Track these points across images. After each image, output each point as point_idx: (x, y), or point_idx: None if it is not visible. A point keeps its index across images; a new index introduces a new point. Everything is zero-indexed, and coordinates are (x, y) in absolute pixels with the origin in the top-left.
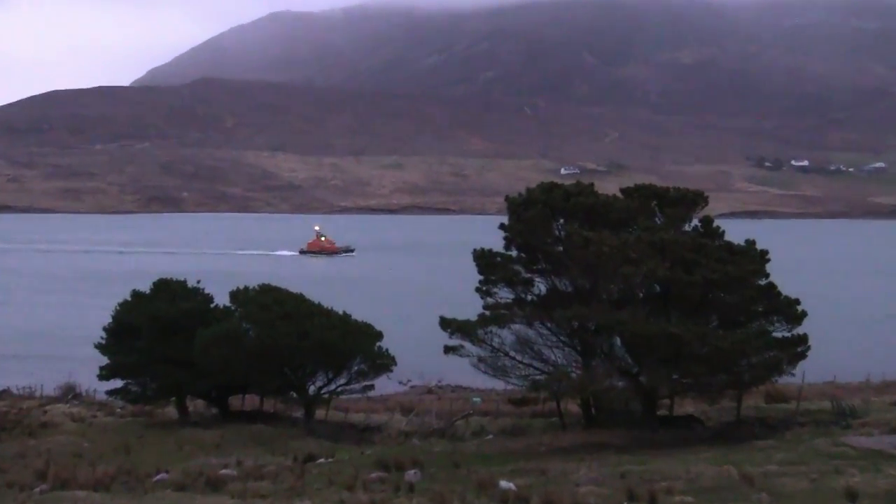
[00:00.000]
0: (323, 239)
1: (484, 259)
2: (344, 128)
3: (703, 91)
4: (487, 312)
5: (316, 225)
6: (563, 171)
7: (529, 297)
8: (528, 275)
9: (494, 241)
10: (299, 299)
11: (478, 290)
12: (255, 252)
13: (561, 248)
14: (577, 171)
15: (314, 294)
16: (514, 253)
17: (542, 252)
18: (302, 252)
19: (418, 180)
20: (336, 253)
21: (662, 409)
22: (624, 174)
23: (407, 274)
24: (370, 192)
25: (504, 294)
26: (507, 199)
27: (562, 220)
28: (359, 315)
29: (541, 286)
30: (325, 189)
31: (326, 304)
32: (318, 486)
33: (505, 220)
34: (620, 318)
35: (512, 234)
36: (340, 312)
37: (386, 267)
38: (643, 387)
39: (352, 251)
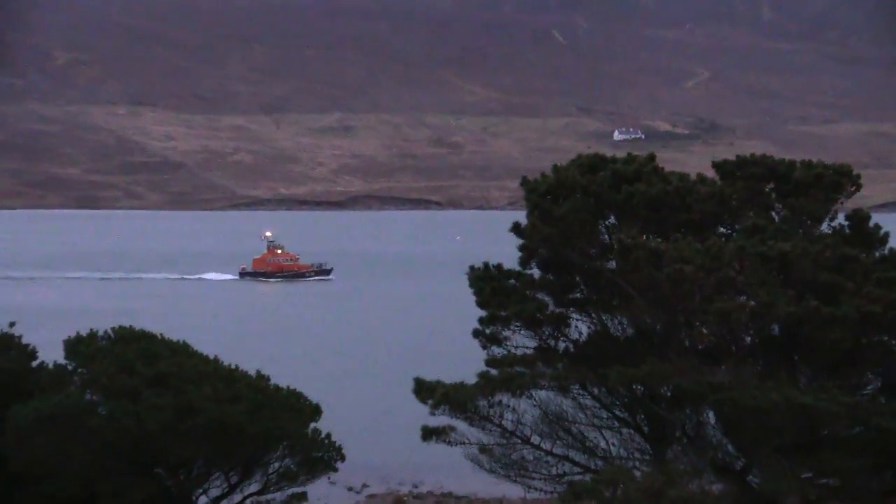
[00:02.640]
0: (279, 252)
1: (487, 283)
2: (253, 68)
3: (846, 1)
4: (494, 371)
5: (266, 231)
6: (616, 135)
7: (563, 346)
8: (560, 309)
9: (506, 251)
10: (181, 352)
11: (477, 334)
12: (166, 276)
13: (613, 266)
14: (639, 135)
15: (231, 342)
16: (535, 272)
17: (582, 272)
18: (243, 274)
19: (378, 153)
20: (301, 274)
21: None
22: (718, 139)
23: (378, 307)
24: (299, 173)
25: (521, 340)
26: (523, 183)
27: (613, 219)
28: (288, 376)
29: (581, 327)
30: (222, 169)
31: (238, 358)
32: None
33: (521, 217)
34: (715, 379)
35: (532, 241)
36: (253, 373)
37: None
38: (755, 492)
39: (328, 272)
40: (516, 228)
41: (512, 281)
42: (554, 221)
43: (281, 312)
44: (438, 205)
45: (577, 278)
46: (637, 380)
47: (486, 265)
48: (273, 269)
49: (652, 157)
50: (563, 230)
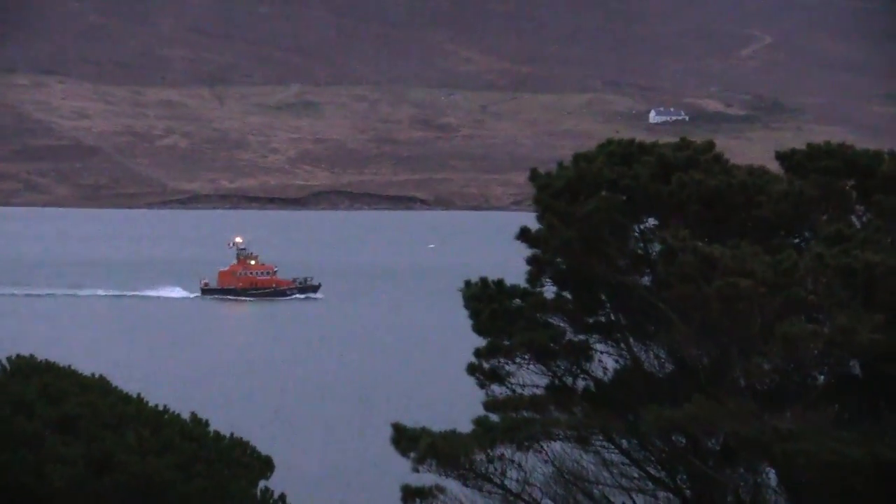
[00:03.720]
0: (252, 263)
1: (485, 304)
2: (190, 28)
3: None
4: (495, 417)
5: (237, 236)
6: (653, 116)
7: (583, 385)
8: (580, 337)
9: (511, 263)
10: (96, 389)
11: (474, 369)
12: (100, 292)
13: (649, 282)
14: (682, 116)
15: (169, 378)
16: (548, 290)
17: (608, 289)
18: (206, 290)
19: (348, 137)
20: (282, 291)
21: None
22: (783, 122)
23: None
24: (247, 162)
25: (530, 377)
26: (533, 178)
27: (650, 222)
28: (236, 420)
29: (606, 361)
30: (150, 155)
31: (175, 398)
32: None
33: (529, 220)
34: (779, 429)
35: (546, 251)
36: (187, 416)
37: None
38: None
39: (315, 288)
40: (524, 235)
41: (517, 301)
42: (574, 224)
43: (248, 340)
44: (424, 203)
45: (603, 297)
46: (678, 424)
47: (483, 281)
48: (244, 284)
49: (711, 145)
50: (585, 235)
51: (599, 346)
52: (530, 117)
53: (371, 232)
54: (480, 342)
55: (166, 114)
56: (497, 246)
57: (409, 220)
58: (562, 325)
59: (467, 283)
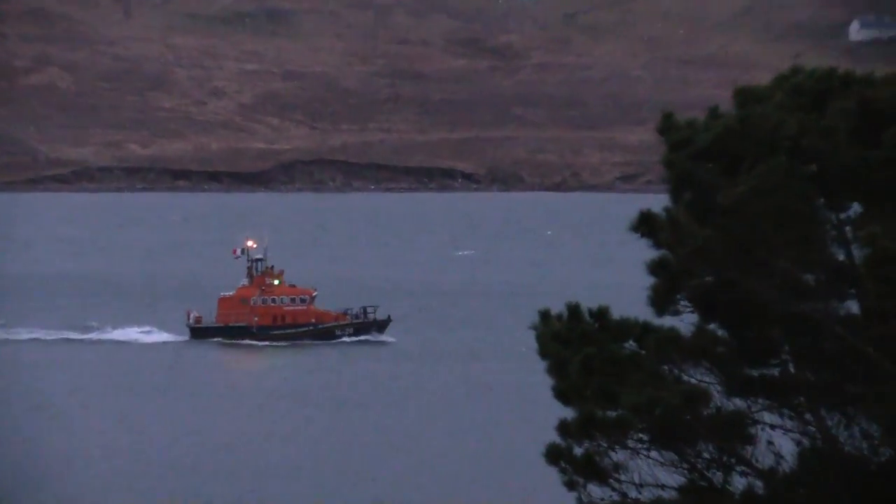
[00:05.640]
0: (276, 283)
1: (574, 348)
2: None
3: None
4: None
5: (248, 239)
6: (856, 29)
7: (742, 482)
8: (738, 401)
9: (624, 280)
10: None
11: (557, 455)
12: (59, 334)
13: (853, 312)
14: None
15: None
16: (684, 322)
17: (784, 323)
18: (198, 330)
19: (339, 70)
20: (329, 330)
21: None
22: None
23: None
24: (172, 112)
25: (652, 471)
26: (664, 126)
27: (857, 207)
28: None
29: (780, 443)
30: (8, 102)
31: None
32: None
33: (640, 203)
34: None
35: (681, 254)
36: None
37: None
38: None
39: (383, 325)
40: (645, 224)
41: (631, 344)
42: (728, 210)
43: (259, 416)
44: (472, 180)
45: (776, 335)
46: None
47: (573, 312)
48: (265, 318)
49: None
50: (746, 230)
51: (769, 418)
52: (647, 34)
53: (386, 227)
54: (566, 411)
55: (36, 33)
56: (596, 250)
57: (446, 207)
58: (706, 381)
59: (544, 316)
